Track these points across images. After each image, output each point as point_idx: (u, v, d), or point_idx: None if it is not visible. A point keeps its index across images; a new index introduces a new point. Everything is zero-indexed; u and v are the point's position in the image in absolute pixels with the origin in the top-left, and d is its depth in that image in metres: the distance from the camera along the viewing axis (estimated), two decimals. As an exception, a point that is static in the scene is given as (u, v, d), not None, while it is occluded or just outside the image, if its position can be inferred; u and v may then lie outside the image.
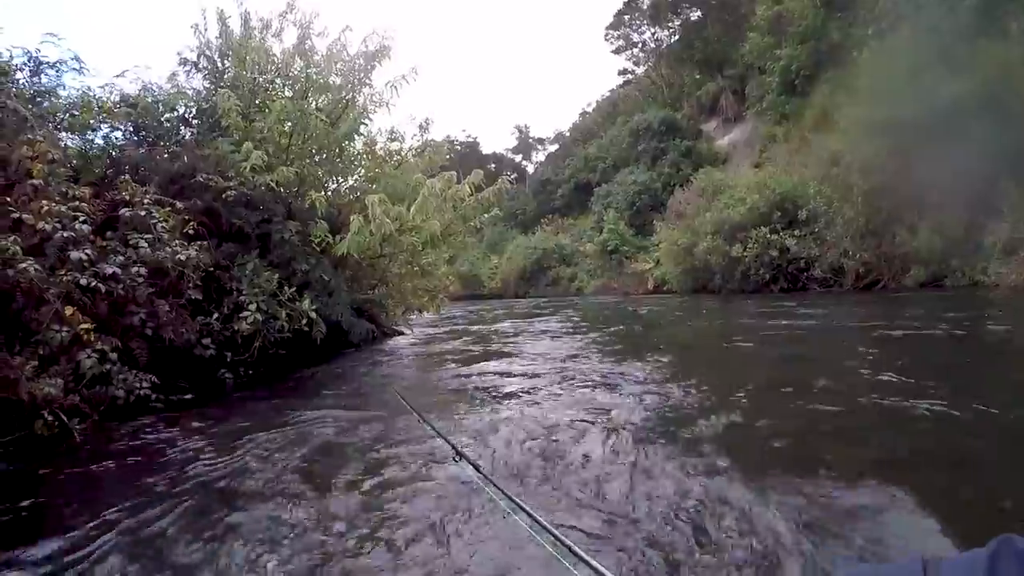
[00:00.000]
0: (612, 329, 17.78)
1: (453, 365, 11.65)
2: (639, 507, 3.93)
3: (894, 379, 7.28)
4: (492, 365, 11.31)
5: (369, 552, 3.52)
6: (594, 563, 1.75)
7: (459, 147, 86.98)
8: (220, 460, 5.47)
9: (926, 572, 0.56)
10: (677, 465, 4.60)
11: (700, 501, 3.90)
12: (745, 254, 30.83)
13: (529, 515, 2.36)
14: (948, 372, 8.08)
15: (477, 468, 3.20)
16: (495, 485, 2.91)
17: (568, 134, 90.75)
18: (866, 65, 28.85)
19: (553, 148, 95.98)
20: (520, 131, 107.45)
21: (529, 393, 8.04)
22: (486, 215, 15.32)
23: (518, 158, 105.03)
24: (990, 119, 20.07)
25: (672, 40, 65.98)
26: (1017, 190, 19.48)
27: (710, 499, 3.90)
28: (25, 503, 4.59)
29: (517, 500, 2.62)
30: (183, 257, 8.39)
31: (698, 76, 60.94)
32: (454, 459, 3.85)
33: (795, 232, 29.73)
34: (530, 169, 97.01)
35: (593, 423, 6.01)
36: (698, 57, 59.53)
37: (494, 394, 8.27)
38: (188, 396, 8.48)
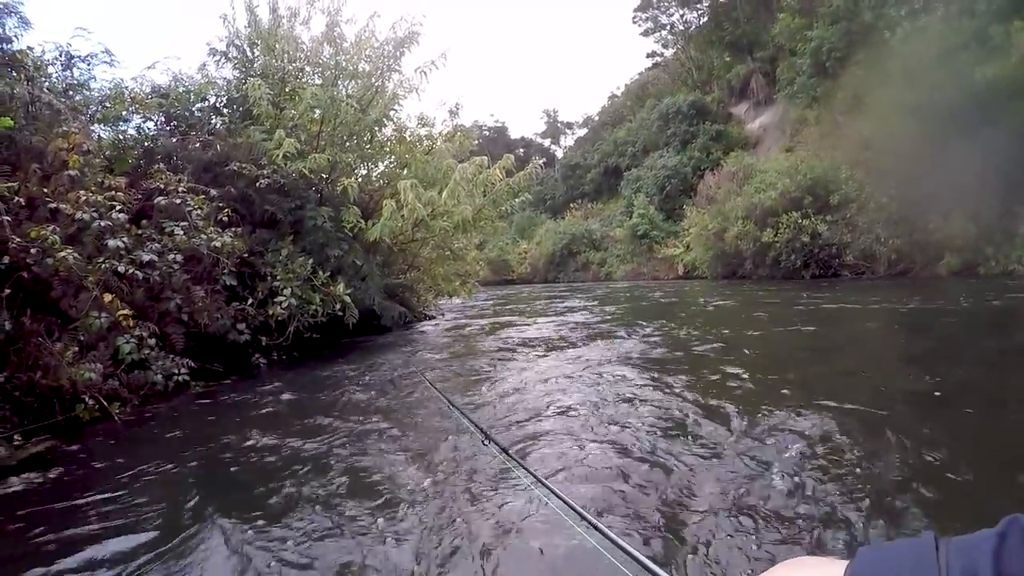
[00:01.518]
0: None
1: (483, 342, 11.87)
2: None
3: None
4: (517, 336, 11.81)
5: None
6: (628, 547, 1.77)
7: (487, 132, 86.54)
8: (249, 438, 5.62)
9: (938, 550, 0.58)
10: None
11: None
12: (776, 239, 30.48)
13: (559, 497, 2.38)
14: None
15: (505, 451, 3.21)
16: (523, 467, 2.92)
17: (597, 118, 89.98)
18: (898, 47, 28.36)
19: (582, 132, 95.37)
20: (549, 115, 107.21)
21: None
22: (517, 199, 15.35)
23: (547, 142, 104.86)
24: (1024, 102, 19.71)
25: (701, 21, 65.18)
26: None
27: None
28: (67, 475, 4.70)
29: (545, 482, 2.64)
30: (218, 244, 8.51)
31: (728, 58, 60.07)
32: (483, 443, 3.88)
33: (826, 217, 29.32)
34: (559, 154, 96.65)
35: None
36: (728, 39, 58.67)
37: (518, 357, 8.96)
38: (226, 381, 8.62)
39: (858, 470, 3.99)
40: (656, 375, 7.34)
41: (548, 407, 6.16)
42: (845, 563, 0.63)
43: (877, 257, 27.03)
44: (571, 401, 6.35)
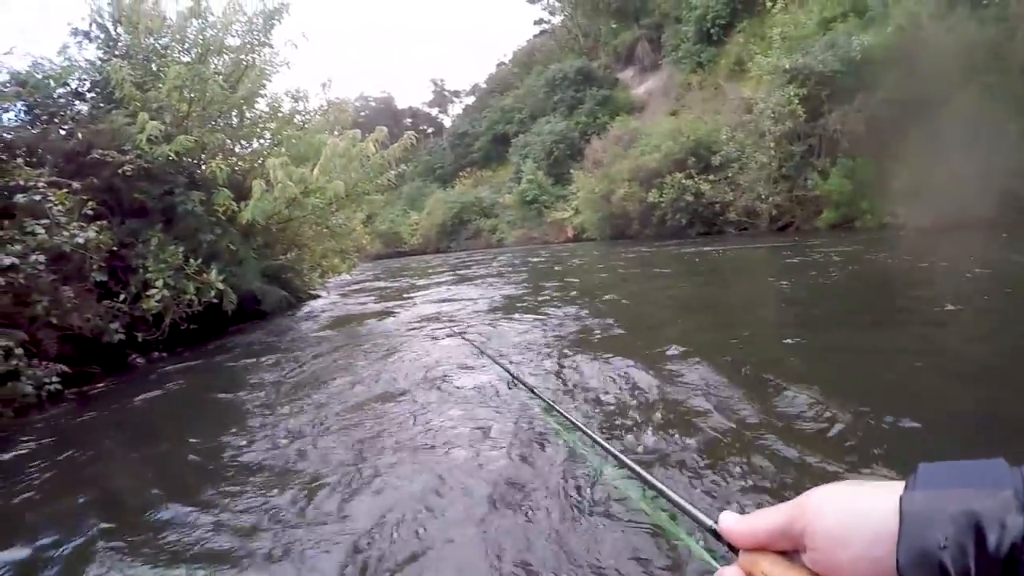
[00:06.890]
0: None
1: (369, 311, 12.57)
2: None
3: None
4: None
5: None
6: (658, 484, 1.77)
7: (374, 103, 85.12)
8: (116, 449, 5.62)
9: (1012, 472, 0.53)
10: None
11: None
12: (661, 200, 31.37)
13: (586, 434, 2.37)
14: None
15: (533, 392, 3.15)
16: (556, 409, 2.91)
17: (485, 86, 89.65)
18: (779, 16, 29.28)
19: (470, 101, 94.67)
20: (436, 84, 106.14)
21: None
22: (393, 171, 15.23)
23: (435, 112, 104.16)
24: (899, 69, 20.73)
25: (587, -12, 65.51)
26: (922, 136, 19.98)
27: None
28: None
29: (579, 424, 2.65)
30: (81, 240, 8.14)
31: (614, 25, 60.55)
32: (509, 386, 3.96)
33: (710, 177, 30.35)
34: (447, 122, 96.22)
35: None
36: (614, 6, 59.00)
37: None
38: (100, 385, 8.33)
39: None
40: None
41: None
42: (900, 484, 0.57)
43: (759, 214, 28.03)
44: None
